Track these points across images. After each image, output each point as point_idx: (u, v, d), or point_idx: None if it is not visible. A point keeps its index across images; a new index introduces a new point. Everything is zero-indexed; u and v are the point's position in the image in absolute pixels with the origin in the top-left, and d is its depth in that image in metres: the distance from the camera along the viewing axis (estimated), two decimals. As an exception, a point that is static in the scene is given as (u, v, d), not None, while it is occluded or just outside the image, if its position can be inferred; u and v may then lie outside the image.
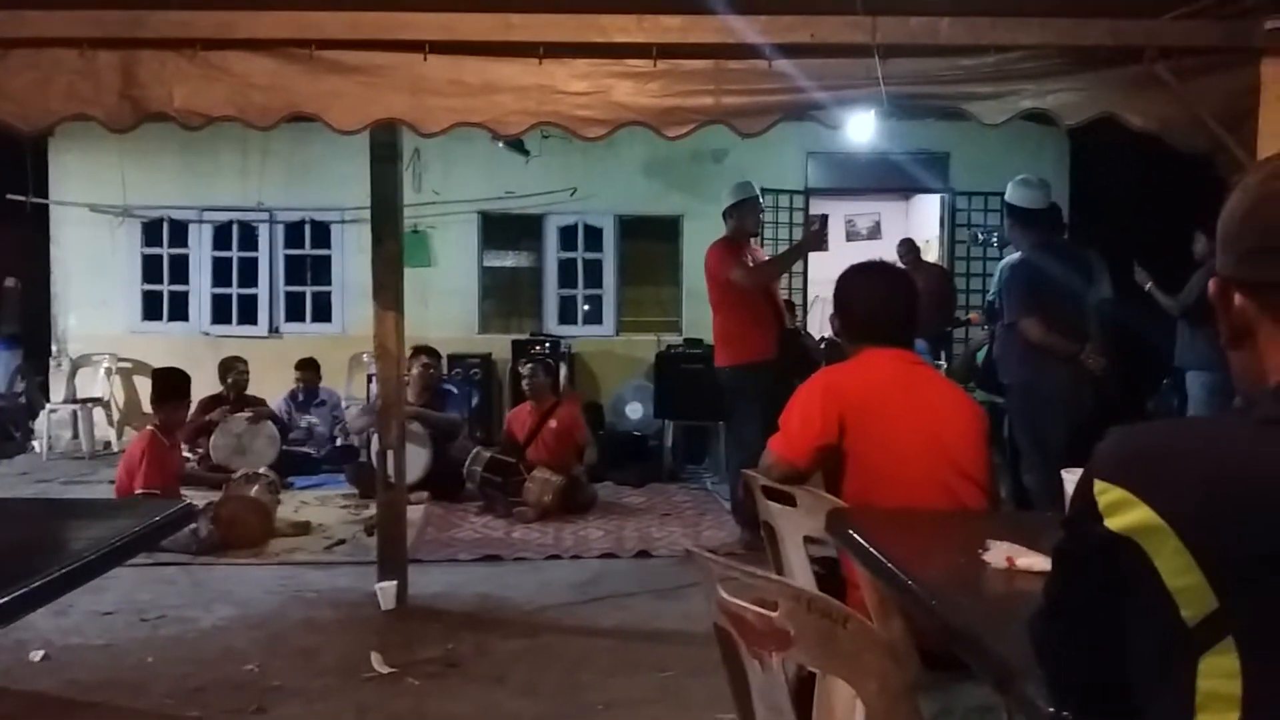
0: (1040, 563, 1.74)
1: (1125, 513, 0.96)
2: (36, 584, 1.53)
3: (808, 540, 2.32)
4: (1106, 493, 0.98)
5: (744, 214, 5.33)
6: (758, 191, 5.46)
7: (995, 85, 3.22)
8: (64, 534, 1.96)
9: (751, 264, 5.22)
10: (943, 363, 7.11)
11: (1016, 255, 4.94)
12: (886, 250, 9.12)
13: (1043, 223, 4.69)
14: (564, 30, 3.12)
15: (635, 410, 7.76)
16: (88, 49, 2.96)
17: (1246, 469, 0.91)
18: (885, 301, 2.48)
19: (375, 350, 4.10)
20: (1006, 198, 4.80)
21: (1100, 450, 1.03)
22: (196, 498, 5.34)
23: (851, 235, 11.46)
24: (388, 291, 3.97)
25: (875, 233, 11.31)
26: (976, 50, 3.19)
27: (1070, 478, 2.12)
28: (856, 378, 2.40)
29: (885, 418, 2.33)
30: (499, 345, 8.13)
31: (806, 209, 8.68)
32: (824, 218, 5.38)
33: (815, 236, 5.19)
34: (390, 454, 4.14)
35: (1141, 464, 0.98)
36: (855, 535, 1.97)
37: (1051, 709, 1.11)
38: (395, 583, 4.16)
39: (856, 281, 2.54)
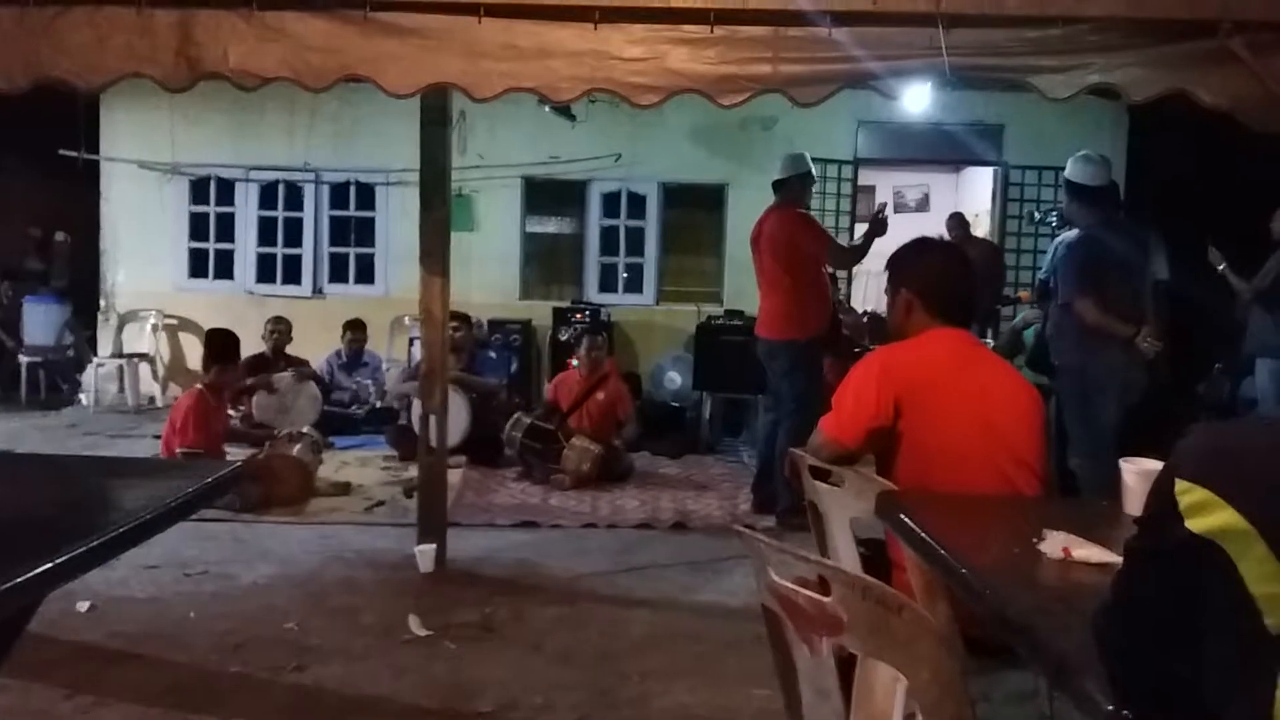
0: (1097, 554, 1.72)
1: (1209, 514, 0.93)
2: (94, 543, 1.56)
3: (852, 521, 2.30)
4: (1190, 493, 0.95)
5: (805, 187, 5.33)
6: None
7: (1061, 58, 3.13)
8: (118, 493, 1.99)
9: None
10: (989, 340, 7.01)
11: (1074, 233, 4.85)
12: (935, 223, 9.05)
13: (1102, 201, 4.59)
14: (620, -8, 3.08)
15: (674, 381, 7.75)
16: (145, 7, 2.97)
17: None
18: (948, 280, 2.44)
19: (421, 315, 4.12)
20: (1066, 174, 4.70)
21: (1183, 448, 1.00)
22: (239, 455, 5.45)
23: (900, 207, 11.33)
24: (434, 257, 3.98)
25: (924, 205, 11.18)
26: (1043, 21, 3.10)
27: (1129, 468, 2.08)
28: (915, 357, 2.37)
29: (942, 400, 2.30)
30: (539, 312, 8.15)
31: (855, 179, 8.60)
32: (884, 205, 5.45)
33: (881, 223, 5.16)
34: (433, 419, 4.17)
35: (1228, 465, 0.95)
36: (906, 519, 1.95)
37: (1111, 707, 1.09)
38: (434, 546, 4.21)
39: (920, 257, 2.50)
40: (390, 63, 3.09)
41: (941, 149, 8.26)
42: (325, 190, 8.58)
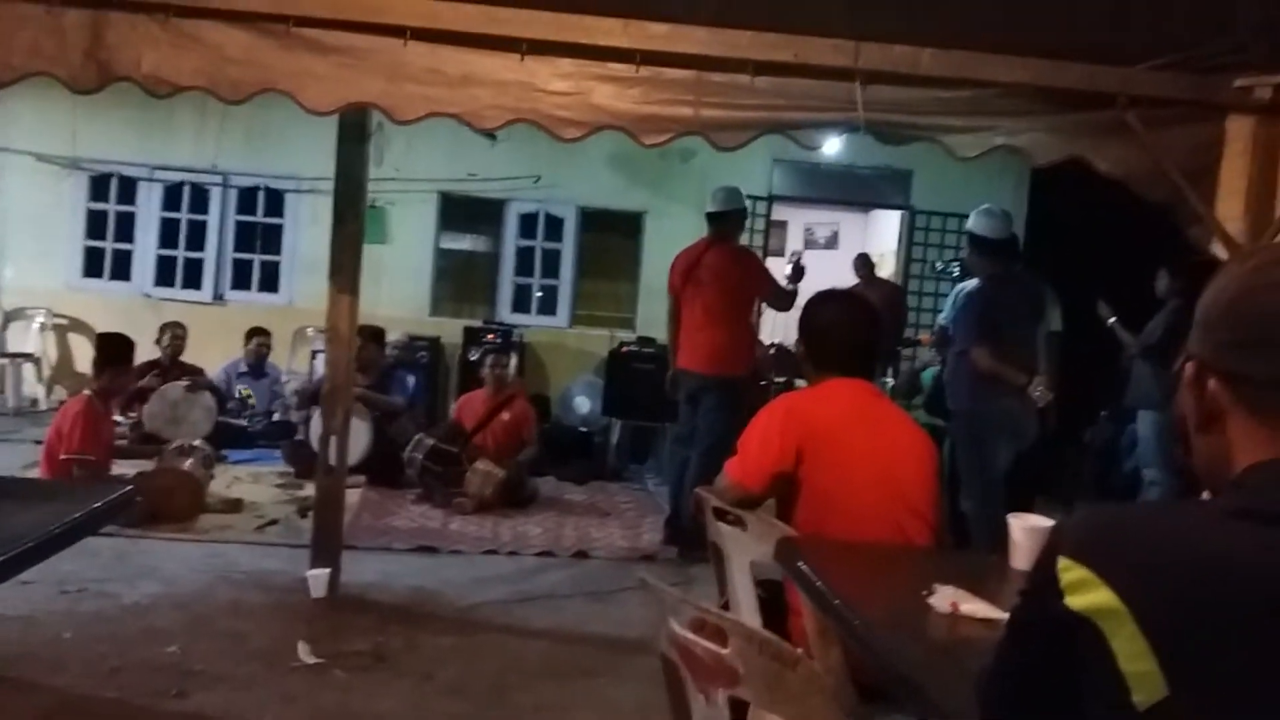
0: (984, 610, 1.79)
1: (1087, 592, 0.98)
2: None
3: (752, 564, 2.34)
4: (1070, 570, 1.00)
5: (742, 222, 5.46)
6: None
7: (971, 119, 3.28)
8: (8, 518, 1.89)
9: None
10: (889, 379, 7.22)
11: (973, 282, 5.04)
12: (843, 260, 9.29)
13: (1002, 253, 4.79)
14: (548, 28, 3.10)
15: (583, 405, 7.75)
16: (56, 5, 2.87)
17: (1209, 561, 0.94)
18: (850, 332, 2.51)
19: (327, 333, 4.04)
20: (969, 225, 4.90)
21: (1067, 526, 1.05)
22: (127, 468, 5.23)
23: (809, 243, 11.60)
24: (344, 274, 3.91)
25: (833, 242, 11.47)
26: (954, 83, 3.24)
27: (1016, 524, 2.17)
28: (818, 407, 2.43)
29: (842, 449, 2.37)
30: (449, 329, 8.06)
31: (769, 215, 8.77)
32: (800, 253, 5.68)
33: (799, 271, 5.35)
34: (333, 439, 4.08)
35: (1107, 545, 1.00)
36: (803, 566, 2.00)
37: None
38: (328, 571, 4.11)
39: (823, 310, 2.57)
40: (310, 79, 3.04)
41: (852, 190, 8.52)
42: (233, 194, 8.34)
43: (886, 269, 9.45)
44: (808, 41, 3.13)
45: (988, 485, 4.68)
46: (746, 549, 2.34)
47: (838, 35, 3.10)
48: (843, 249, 11.06)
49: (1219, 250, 3.53)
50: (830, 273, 10.01)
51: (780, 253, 11.65)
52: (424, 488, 5.89)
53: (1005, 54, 3.19)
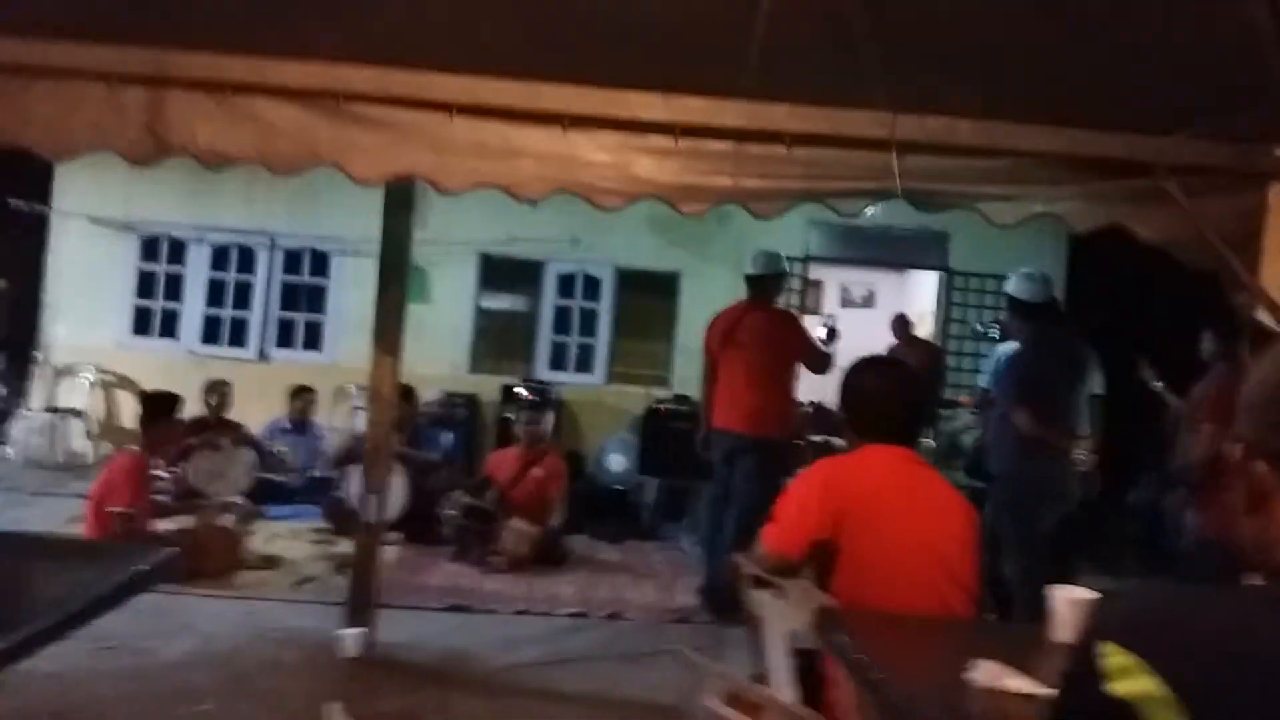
0: (1025, 687, 1.76)
1: (1131, 679, 0.97)
2: (24, 635, 1.53)
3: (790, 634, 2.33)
4: (1113, 655, 0.99)
5: (782, 285, 5.56)
6: None
7: (1008, 187, 3.30)
8: (45, 577, 1.94)
9: None
10: (930, 441, 7.16)
11: (1014, 345, 5.03)
12: (880, 318, 9.29)
13: (1041, 315, 4.77)
14: (590, 104, 3.18)
15: (618, 463, 7.75)
16: (116, 83, 3.00)
17: (1260, 651, 0.93)
18: (892, 398, 2.52)
19: (369, 393, 4.11)
20: (1008, 289, 4.89)
21: (1110, 610, 1.04)
22: (168, 524, 5.31)
23: (846, 302, 11.64)
24: (389, 337, 3.99)
25: (869, 302, 11.49)
26: (992, 153, 3.27)
27: (1059, 595, 2.14)
28: (857, 474, 2.43)
29: (882, 517, 2.36)
30: (487, 386, 8.13)
31: (806, 275, 8.80)
32: (833, 317, 5.79)
33: (833, 333, 5.47)
34: (373, 498, 4.12)
35: (1153, 631, 0.99)
36: (841, 638, 1.99)
37: None
38: (362, 631, 4.12)
39: (864, 376, 2.58)
40: (358, 151, 3.15)
41: (889, 251, 8.53)
42: (280, 255, 8.55)
43: (924, 329, 9.42)
44: (844, 114, 3.18)
45: (1030, 550, 4.60)
46: (784, 618, 2.32)
47: (874, 107, 3.14)
48: (880, 308, 11.07)
49: (1264, 317, 3.50)
50: (867, 332, 10.07)
51: (816, 311, 11.77)
52: (459, 545, 5.90)
53: (1041, 124, 3.22)
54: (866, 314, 11.16)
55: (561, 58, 3.08)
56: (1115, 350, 5.78)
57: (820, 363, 5.30)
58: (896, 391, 2.54)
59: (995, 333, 6.33)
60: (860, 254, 8.88)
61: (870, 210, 3.37)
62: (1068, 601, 2.10)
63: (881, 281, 11.35)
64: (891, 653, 1.95)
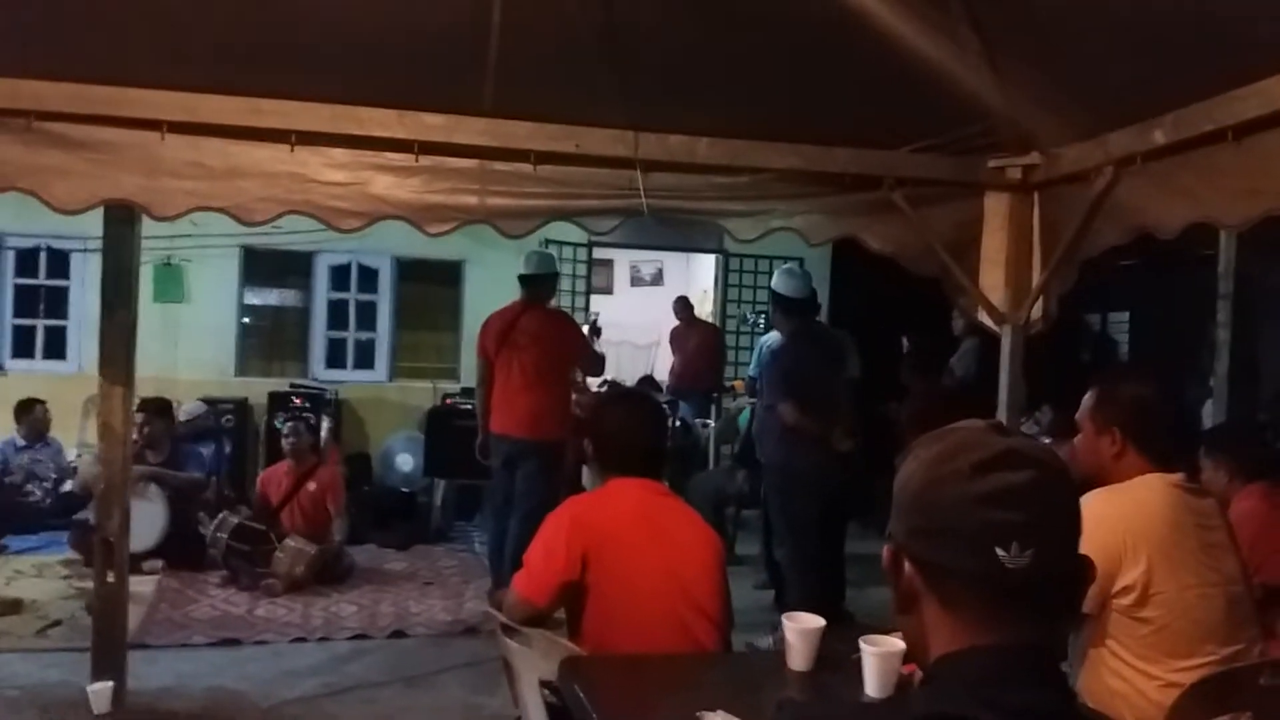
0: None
1: None
2: None
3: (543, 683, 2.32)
4: None
5: (553, 286, 5.50)
6: None
7: (749, 204, 3.40)
8: None
9: None
10: (710, 422, 7.41)
11: (777, 337, 5.24)
12: (668, 295, 9.49)
13: (803, 310, 4.99)
14: (318, 119, 3.01)
15: (406, 463, 7.56)
16: None
17: None
18: (636, 433, 2.55)
19: (100, 429, 3.76)
20: (772, 284, 5.09)
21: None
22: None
23: (636, 280, 11.86)
24: (116, 367, 3.65)
25: (658, 279, 11.74)
26: (732, 170, 3.35)
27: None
28: (603, 510, 2.44)
29: (626, 551, 2.38)
30: (257, 391, 7.69)
31: (590, 259, 8.83)
32: (597, 315, 5.70)
33: (597, 331, 5.65)
34: (112, 541, 3.79)
35: None
36: (578, 691, 1.99)
37: None
38: (111, 684, 3.81)
39: (609, 412, 2.61)
40: (56, 176, 2.85)
41: (670, 236, 8.65)
42: (9, 256, 7.72)
43: (707, 307, 9.71)
44: (588, 132, 3.17)
45: (799, 532, 4.84)
46: (535, 666, 2.31)
47: (617, 126, 3.15)
48: (668, 285, 11.34)
49: (985, 318, 3.78)
50: (656, 308, 10.33)
51: (608, 289, 11.89)
52: (229, 570, 5.58)
53: (778, 140, 3.32)
54: (656, 291, 11.40)
55: (286, 72, 2.90)
56: (876, 335, 6.16)
57: (595, 364, 5.36)
58: (642, 425, 2.57)
59: (762, 323, 6.60)
60: (644, 239, 8.98)
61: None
62: (799, 631, 2.18)
63: (669, 260, 11.60)
64: (625, 703, 1.97)
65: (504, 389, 5.15)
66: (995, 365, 3.77)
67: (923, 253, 3.57)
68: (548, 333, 5.15)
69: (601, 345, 5.62)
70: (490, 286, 7.36)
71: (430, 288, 8.60)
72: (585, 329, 5.50)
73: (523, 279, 5.28)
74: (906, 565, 1.07)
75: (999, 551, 0.98)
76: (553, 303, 5.67)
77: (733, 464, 6.34)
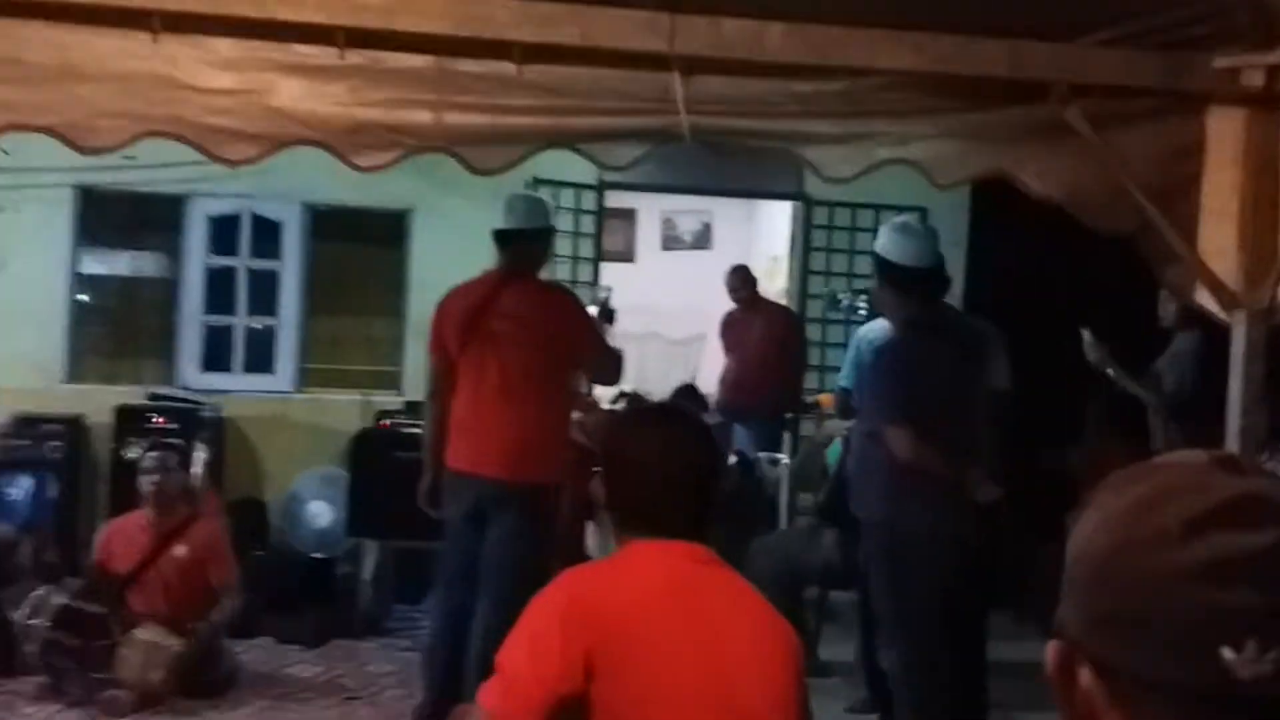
0: None
1: None
2: None
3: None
4: None
5: (547, 248, 5.55)
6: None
7: (843, 123, 3.41)
8: None
9: None
10: (782, 457, 7.41)
11: (884, 330, 5.23)
12: (717, 264, 9.51)
13: (924, 288, 4.98)
14: (195, -4, 3.07)
15: (320, 515, 7.61)
16: None
17: None
18: (668, 472, 2.55)
19: None
20: (877, 248, 5.07)
21: None
22: None
23: (671, 242, 11.94)
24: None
25: (704, 240, 11.82)
26: (818, 72, 3.36)
27: None
28: (615, 593, 2.44)
29: (650, 653, 2.38)
30: (97, 404, 7.78)
31: (601, 209, 8.87)
32: (609, 291, 5.96)
33: (608, 315, 5.64)
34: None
35: None
36: None
37: None
38: None
39: (628, 440, 2.62)
40: None
41: (724, 174, 8.67)
42: None
43: (778, 284, 9.71)
44: (600, 13, 3.18)
45: (916, 629, 4.84)
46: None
47: (644, 5, 3.17)
48: (719, 249, 11.39)
49: (1206, 300, 3.77)
50: (703, 283, 10.33)
51: (628, 255, 11.93)
52: (51, 675, 5.65)
53: (888, 28, 3.33)
54: (701, 258, 11.47)
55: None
56: (1033, 328, 6.15)
57: (610, 366, 5.36)
58: (677, 460, 2.56)
59: (860, 307, 6.59)
60: (683, 178, 9.01)
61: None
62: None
63: (721, 211, 11.67)
64: None
65: (471, 404, 5.17)
66: (1223, 372, 3.75)
67: (1111, 199, 3.56)
68: (538, 319, 5.17)
69: (616, 338, 5.64)
70: (450, 249, 7.41)
71: (360, 251, 8.70)
72: (592, 310, 5.50)
73: (501, 237, 5.29)
74: (1083, 674, 1.08)
75: (1225, 654, 0.97)
76: (545, 274, 5.69)
77: (816, 521, 6.35)
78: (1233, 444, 3.54)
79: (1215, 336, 4.34)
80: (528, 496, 5.10)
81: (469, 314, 5.19)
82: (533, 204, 5.48)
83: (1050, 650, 1.09)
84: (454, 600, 5.27)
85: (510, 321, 5.14)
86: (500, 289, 5.19)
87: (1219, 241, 3.67)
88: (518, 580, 4.88)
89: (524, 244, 5.28)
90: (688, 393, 8.15)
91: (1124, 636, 1.02)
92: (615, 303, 5.72)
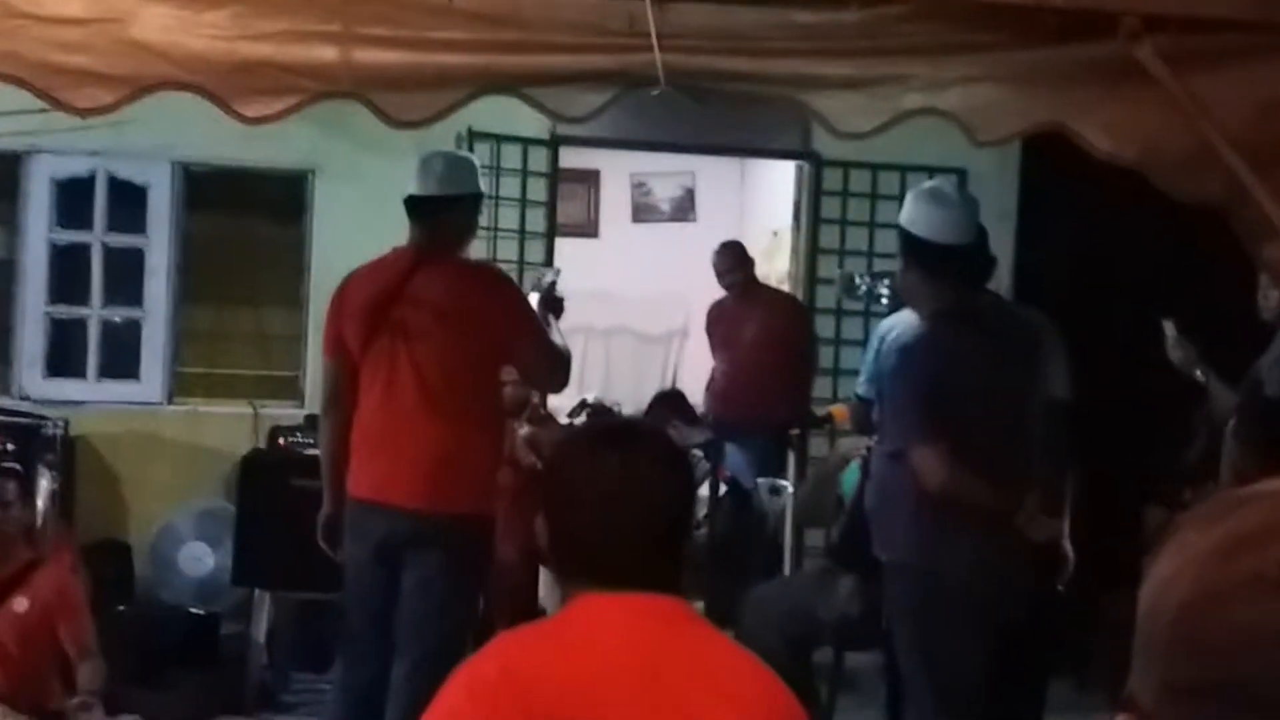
0: None
1: None
2: None
3: None
4: None
5: (473, 217, 5.59)
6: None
7: (859, 64, 3.42)
8: None
9: None
10: (786, 484, 7.43)
11: (911, 322, 5.24)
12: (703, 240, 9.52)
13: (960, 269, 4.99)
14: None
15: (199, 561, 7.61)
16: None
17: None
18: (627, 506, 2.54)
19: None
20: (902, 221, 5.08)
21: None
22: None
23: (643, 212, 11.93)
24: None
25: (685, 209, 11.81)
26: (826, 1, 3.37)
27: None
28: (559, 661, 2.42)
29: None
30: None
31: (555, 170, 8.86)
32: (556, 273, 5.90)
33: (553, 302, 5.60)
34: None
35: None
36: None
37: None
38: None
39: (574, 468, 2.61)
40: None
41: (709, 128, 8.66)
42: None
43: (780, 265, 9.72)
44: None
45: (955, 702, 4.85)
46: None
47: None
48: (704, 222, 11.40)
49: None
50: (684, 263, 10.32)
51: (591, 229, 11.88)
52: None
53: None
54: (682, 232, 11.48)
55: None
56: (1096, 322, 6.18)
57: (552, 368, 5.42)
58: (633, 495, 2.55)
59: (882, 293, 6.58)
60: (661, 131, 8.99)
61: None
62: None
63: (706, 171, 11.67)
64: None
65: (379, 417, 5.20)
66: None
67: (1195, 160, 3.57)
68: (461, 308, 5.17)
69: (564, 332, 5.63)
70: (362, 222, 7.41)
71: (248, 224, 8.71)
72: (533, 299, 5.50)
73: (415, 206, 5.30)
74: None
75: None
76: (473, 251, 5.70)
77: (828, 565, 6.36)
78: (1348, 467, 3.55)
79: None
80: (453, 532, 5.10)
81: (374, 303, 5.19)
82: (454, 163, 5.46)
83: None
84: (361, 670, 5.28)
85: (426, 312, 5.14)
86: (413, 271, 5.18)
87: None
88: (442, 641, 4.97)
89: (443, 214, 5.29)
90: (669, 402, 8.17)
91: (1208, 710, 1.04)
92: (565, 288, 5.69)
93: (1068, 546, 4.95)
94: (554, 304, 5.48)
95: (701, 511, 6.76)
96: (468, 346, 5.16)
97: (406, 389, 5.15)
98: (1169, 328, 6.06)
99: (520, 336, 5.32)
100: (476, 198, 5.51)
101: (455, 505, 5.11)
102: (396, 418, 5.16)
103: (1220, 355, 6.02)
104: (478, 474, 5.20)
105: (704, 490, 6.81)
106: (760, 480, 7.40)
